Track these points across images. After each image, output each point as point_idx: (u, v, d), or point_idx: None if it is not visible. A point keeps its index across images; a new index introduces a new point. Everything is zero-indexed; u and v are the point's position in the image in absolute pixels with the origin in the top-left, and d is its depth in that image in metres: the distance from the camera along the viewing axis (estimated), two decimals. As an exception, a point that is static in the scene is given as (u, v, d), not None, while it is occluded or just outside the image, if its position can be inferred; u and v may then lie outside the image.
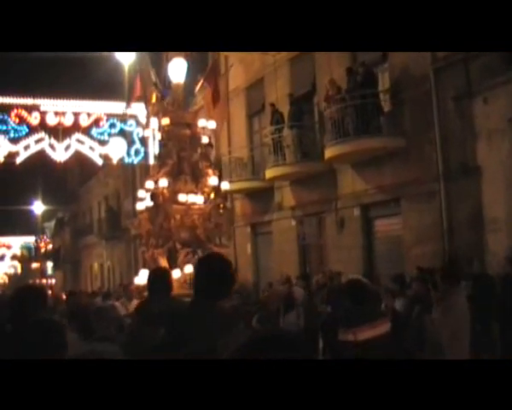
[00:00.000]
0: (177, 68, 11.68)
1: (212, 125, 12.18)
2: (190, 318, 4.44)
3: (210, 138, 12.44)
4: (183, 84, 11.84)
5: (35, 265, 51.59)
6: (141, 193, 11.55)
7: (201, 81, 14.71)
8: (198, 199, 10.97)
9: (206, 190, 11.24)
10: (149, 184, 11.13)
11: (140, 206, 11.20)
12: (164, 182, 10.94)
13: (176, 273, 10.09)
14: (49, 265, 50.72)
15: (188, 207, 10.81)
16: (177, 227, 10.76)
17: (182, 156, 11.34)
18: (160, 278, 4.62)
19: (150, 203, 10.92)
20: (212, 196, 11.31)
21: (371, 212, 16.04)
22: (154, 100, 11.93)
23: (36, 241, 52.64)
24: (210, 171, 11.53)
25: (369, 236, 16.12)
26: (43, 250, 50.88)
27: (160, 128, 11.67)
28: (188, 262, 10.49)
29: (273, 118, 18.29)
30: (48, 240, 52.73)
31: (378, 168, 15.04)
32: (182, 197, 10.81)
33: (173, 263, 10.58)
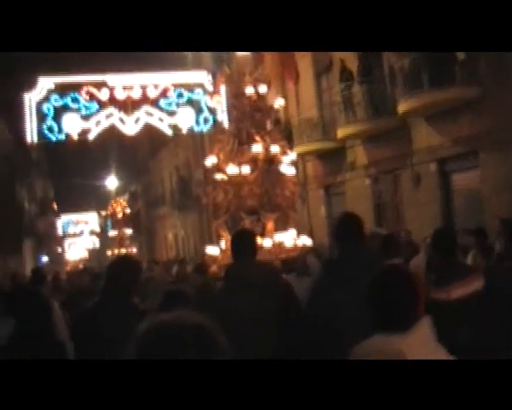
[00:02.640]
0: None
1: (281, 102, 12.24)
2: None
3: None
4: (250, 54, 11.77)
5: (113, 233, 44.87)
6: (211, 160, 11.47)
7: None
8: (292, 171, 11.11)
9: (282, 160, 11.19)
10: (257, 147, 10.88)
11: (233, 170, 10.83)
12: (275, 148, 10.96)
13: (267, 242, 10.27)
14: (128, 232, 44.22)
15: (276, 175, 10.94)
16: (267, 194, 10.88)
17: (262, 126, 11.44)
18: (246, 239, 4.48)
19: (246, 168, 10.77)
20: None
21: (448, 166, 15.55)
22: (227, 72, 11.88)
23: (112, 206, 45.84)
24: (283, 143, 11.62)
25: (447, 191, 15.66)
26: (120, 215, 44.64)
27: (240, 96, 11.62)
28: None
29: (342, 75, 17.91)
30: (125, 204, 46.53)
31: (454, 120, 14.49)
32: (283, 168, 10.91)
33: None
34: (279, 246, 10.46)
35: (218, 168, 11.19)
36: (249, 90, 11.40)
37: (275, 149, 10.96)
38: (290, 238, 10.65)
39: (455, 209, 15.40)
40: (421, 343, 2.45)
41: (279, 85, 19.24)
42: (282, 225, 11.04)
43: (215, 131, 12.07)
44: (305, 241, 11.03)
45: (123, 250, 39.77)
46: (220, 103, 12.13)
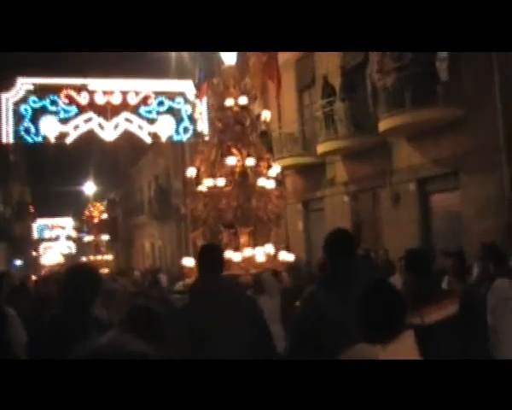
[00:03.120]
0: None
1: (268, 115, 12.28)
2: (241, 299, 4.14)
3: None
4: (241, 68, 11.72)
5: (88, 238, 42.18)
6: (191, 171, 11.35)
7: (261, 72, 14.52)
8: (272, 184, 10.98)
9: (265, 173, 11.13)
10: (231, 160, 10.84)
11: (208, 182, 10.87)
12: (251, 161, 10.85)
13: (236, 257, 10.15)
14: (104, 238, 41.48)
15: (259, 189, 10.85)
16: (257, 208, 10.81)
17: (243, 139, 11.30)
18: (212, 254, 4.28)
19: (222, 181, 10.70)
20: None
21: (428, 186, 15.43)
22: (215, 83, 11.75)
23: (89, 210, 43.04)
24: (269, 156, 11.68)
25: (426, 211, 15.54)
26: (96, 220, 42.01)
27: (221, 109, 11.56)
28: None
29: (324, 91, 17.80)
30: (102, 208, 43.91)
31: (435, 140, 14.40)
32: (261, 181, 10.79)
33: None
34: (250, 261, 10.27)
35: (198, 180, 11.13)
36: (229, 102, 11.31)
37: (250, 161, 10.82)
38: (263, 253, 10.45)
39: (434, 230, 15.29)
40: (401, 355, 2.50)
41: (261, 98, 19.05)
42: (263, 240, 10.91)
43: (197, 142, 11.91)
44: (285, 256, 10.86)
45: (99, 257, 38.75)
46: (202, 115, 11.97)
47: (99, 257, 38.72)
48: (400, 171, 15.93)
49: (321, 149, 17.62)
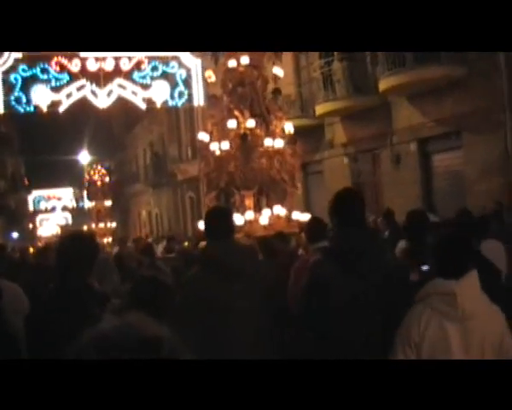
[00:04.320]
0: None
1: (280, 72, 11.71)
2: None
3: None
4: None
5: (89, 205, 37.89)
6: (202, 135, 11.08)
7: None
8: (280, 143, 10.61)
9: (278, 132, 10.84)
10: (232, 123, 10.56)
11: (213, 147, 10.64)
12: (251, 123, 10.54)
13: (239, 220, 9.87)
14: (107, 204, 36.94)
15: (266, 149, 10.52)
16: (258, 169, 10.53)
17: (253, 98, 11.00)
18: (221, 218, 3.98)
19: (226, 144, 10.47)
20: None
21: (429, 146, 15.21)
22: None
23: (88, 173, 38.71)
24: (281, 115, 11.24)
25: (428, 172, 15.33)
26: (99, 184, 37.45)
27: (228, 70, 11.20)
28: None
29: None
30: (104, 171, 38.93)
31: (437, 99, 14.11)
32: (268, 141, 10.46)
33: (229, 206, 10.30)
34: (256, 223, 10.08)
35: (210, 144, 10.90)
36: (232, 63, 10.98)
37: (250, 123, 10.53)
38: (270, 215, 10.24)
39: (436, 190, 15.08)
40: (470, 288, 3.20)
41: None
42: (278, 201, 10.71)
43: (208, 105, 11.63)
44: (299, 217, 10.61)
45: (101, 225, 34.93)
46: (210, 78, 11.57)
47: (101, 225, 35.09)
48: (401, 131, 15.68)
49: (319, 110, 17.34)
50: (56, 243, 8.06)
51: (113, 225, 36.48)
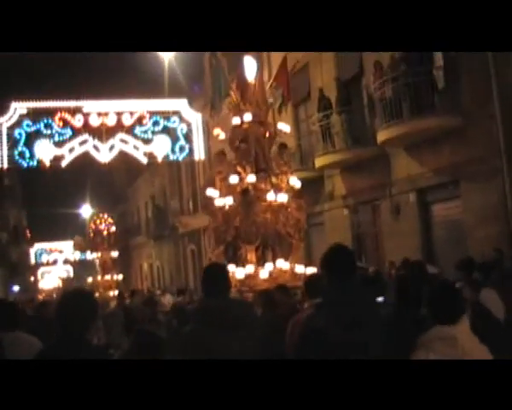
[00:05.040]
0: (250, 67, 11.53)
1: (286, 128, 12.00)
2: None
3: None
4: (255, 83, 11.58)
5: (94, 256, 34.43)
6: (210, 191, 11.21)
7: (271, 80, 14.43)
8: (283, 197, 10.76)
9: (283, 186, 11.01)
10: (234, 179, 10.82)
11: (219, 202, 10.86)
12: (252, 178, 10.73)
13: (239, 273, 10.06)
14: (113, 255, 33.91)
15: (269, 203, 10.65)
16: (262, 224, 10.63)
17: (258, 154, 11.17)
18: (216, 275, 4.12)
19: (230, 199, 10.71)
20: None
21: (428, 196, 15.30)
22: (235, 97, 11.59)
23: (94, 222, 35.55)
24: (286, 169, 11.38)
25: (427, 221, 15.39)
26: (105, 233, 34.47)
27: (234, 128, 11.44)
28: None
29: (320, 104, 17.72)
30: (110, 220, 35.79)
31: (434, 149, 14.29)
32: (270, 196, 10.62)
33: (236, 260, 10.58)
34: (257, 277, 10.17)
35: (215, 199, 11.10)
36: (235, 121, 11.27)
37: (251, 178, 10.72)
38: (273, 269, 10.33)
39: (435, 240, 15.13)
40: (466, 330, 3.63)
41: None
42: (284, 255, 10.80)
43: (216, 161, 11.81)
44: (301, 270, 10.68)
45: (107, 277, 32.26)
46: (219, 136, 11.80)
47: (107, 277, 32.39)
48: (399, 182, 15.81)
49: (319, 162, 17.52)
50: (57, 298, 8.12)
51: (120, 277, 33.75)
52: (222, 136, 11.71)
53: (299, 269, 10.60)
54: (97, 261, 34.20)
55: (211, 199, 11.16)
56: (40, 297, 41.33)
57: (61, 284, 61.92)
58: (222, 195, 10.97)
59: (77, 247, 52.25)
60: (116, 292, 27.39)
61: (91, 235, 35.70)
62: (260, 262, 10.57)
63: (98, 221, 35.32)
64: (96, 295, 27.47)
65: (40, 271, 65.07)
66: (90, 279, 33.92)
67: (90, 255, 37.05)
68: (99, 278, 32.36)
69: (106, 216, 36.03)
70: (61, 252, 65.66)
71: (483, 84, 12.72)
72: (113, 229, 35.35)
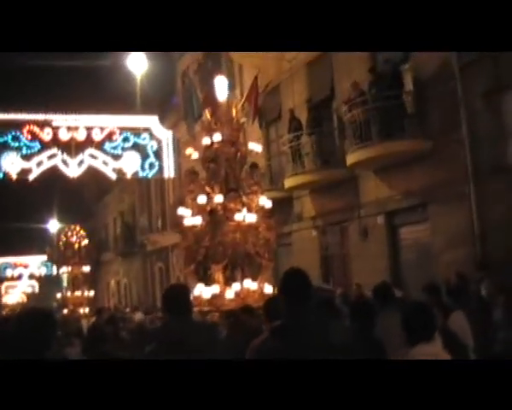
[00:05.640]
0: (222, 86, 11.54)
1: (258, 148, 12.08)
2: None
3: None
4: (226, 103, 11.61)
5: (65, 270, 32.09)
6: (181, 210, 11.17)
7: (243, 99, 14.44)
8: (252, 217, 10.75)
9: (253, 206, 11.01)
10: (202, 198, 10.82)
11: (189, 221, 10.85)
12: (219, 198, 10.73)
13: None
14: (85, 269, 32.05)
15: (238, 223, 10.64)
16: (230, 244, 10.61)
17: (228, 173, 11.20)
18: (177, 295, 4.06)
19: (198, 219, 10.72)
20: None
21: (396, 219, 15.39)
22: (208, 117, 11.56)
23: (65, 234, 33.40)
24: (257, 189, 11.40)
25: (395, 244, 15.47)
26: (76, 246, 32.30)
27: (206, 147, 11.45)
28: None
29: (291, 125, 17.78)
30: (82, 233, 33.69)
31: (403, 173, 14.41)
32: (238, 216, 10.60)
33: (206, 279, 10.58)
34: (222, 298, 10.16)
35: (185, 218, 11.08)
36: (206, 141, 11.28)
37: (218, 198, 10.73)
38: (234, 291, 10.28)
39: (403, 262, 15.21)
40: (440, 348, 4.01)
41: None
42: (254, 275, 10.78)
43: (187, 180, 11.77)
44: (270, 290, 10.66)
45: (77, 293, 30.56)
46: (191, 155, 11.76)
47: (78, 293, 30.69)
48: (368, 204, 15.89)
49: (288, 183, 17.53)
50: (16, 316, 7.90)
51: (91, 293, 32.29)
52: (194, 155, 11.67)
53: (268, 289, 10.57)
54: (65, 277, 32.83)
55: (182, 218, 11.11)
56: (3, 313, 40.44)
57: (25, 300, 60.88)
58: (193, 214, 10.93)
59: (50, 259, 50.49)
60: (87, 309, 26.77)
61: (62, 248, 33.91)
62: (229, 282, 10.53)
63: (69, 233, 33.64)
64: (65, 312, 27.02)
65: (4, 285, 63.93)
66: (58, 295, 32.50)
67: (57, 270, 35.78)
68: (69, 294, 30.79)
69: (78, 228, 34.26)
70: (26, 267, 64.64)
71: (451, 110, 12.88)
72: (86, 242, 33.72)
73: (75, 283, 31.31)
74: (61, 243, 34.10)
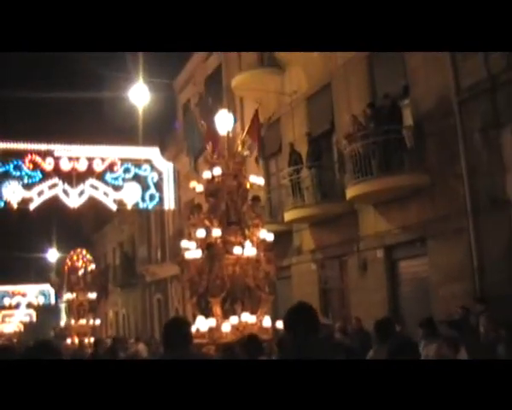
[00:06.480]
0: (224, 120, 11.59)
1: (260, 181, 12.09)
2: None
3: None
4: (227, 136, 11.68)
5: (70, 297, 29.12)
6: (185, 243, 11.22)
7: (244, 133, 14.60)
8: (252, 251, 10.78)
9: (255, 239, 11.04)
10: (201, 232, 10.87)
11: (190, 255, 10.91)
12: (217, 232, 10.78)
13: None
14: (91, 296, 29.35)
15: (238, 256, 10.68)
16: (229, 277, 10.66)
17: (230, 206, 11.23)
18: (175, 329, 4.10)
19: (198, 252, 10.79)
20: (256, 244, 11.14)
21: (395, 253, 15.41)
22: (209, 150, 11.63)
23: (70, 258, 31.14)
24: (258, 222, 11.41)
25: (394, 278, 15.47)
26: (81, 273, 30.02)
27: (209, 181, 11.50)
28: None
29: (291, 158, 17.88)
30: (89, 257, 31.56)
31: (402, 207, 14.48)
32: (237, 250, 10.65)
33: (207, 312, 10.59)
34: (218, 331, 10.19)
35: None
36: (206, 175, 11.34)
37: (216, 232, 10.77)
38: (230, 324, 10.30)
39: (402, 296, 15.20)
40: None
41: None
42: (254, 307, 10.81)
43: (191, 213, 11.81)
44: (269, 323, 10.66)
45: (82, 321, 28.03)
46: (195, 188, 11.79)
47: (82, 321, 28.17)
48: (367, 238, 15.92)
49: (288, 216, 17.57)
50: (19, 349, 7.86)
51: (97, 322, 30.07)
52: (199, 188, 11.68)
53: (267, 322, 10.56)
54: (63, 306, 31.00)
55: (183, 250, 11.14)
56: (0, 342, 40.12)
57: (22, 329, 60.52)
58: (197, 246, 10.97)
59: (52, 285, 48.41)
60: (92, 339, 23.70)
61: (66, 272, 31.60)
62: (227, 315, 10.52)
63: (75, 257, 31.27)
64: (69, 341, 26.19)
65: (1, 314, 63.62)
66: (62, 324, 30.46)
67: (56, 299, 34.81)
68: (72, 322, 28.42)
69: (84, 252, 31.93)
70: (24, 295, 64.35)
71: (450, 145, 13.00)
72: (93, 267, 31.40)
73: (80, 310, 28.85)
74: (66, 268, 31.94)
